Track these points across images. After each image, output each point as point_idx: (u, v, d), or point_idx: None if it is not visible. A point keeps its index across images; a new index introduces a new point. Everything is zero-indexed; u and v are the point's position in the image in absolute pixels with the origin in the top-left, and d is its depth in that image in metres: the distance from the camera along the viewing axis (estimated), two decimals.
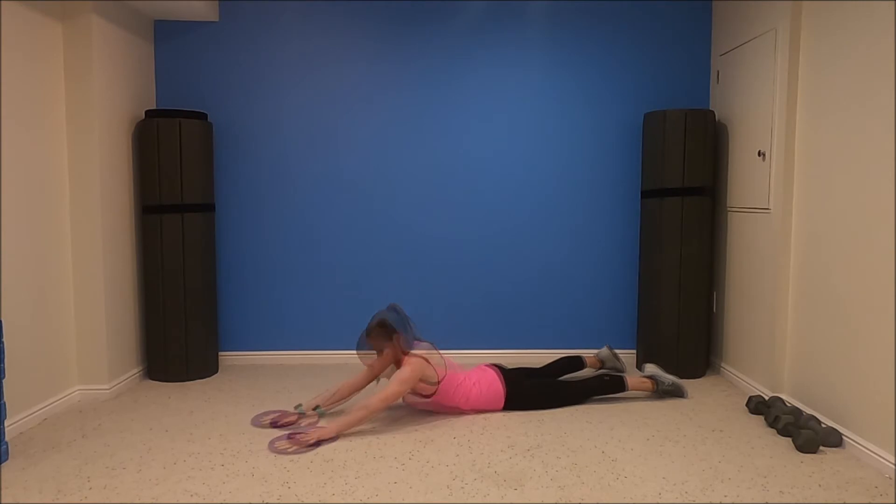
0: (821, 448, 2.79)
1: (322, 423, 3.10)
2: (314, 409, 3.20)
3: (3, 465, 2.63)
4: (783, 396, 3.29)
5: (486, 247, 4.20)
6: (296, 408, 3.20)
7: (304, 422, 3.12)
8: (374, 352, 3.16)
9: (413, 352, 3.10)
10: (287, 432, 2.96)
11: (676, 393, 3.47)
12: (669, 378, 3.47)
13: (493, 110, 4.13)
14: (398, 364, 3.12)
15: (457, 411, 3.22)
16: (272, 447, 2.79)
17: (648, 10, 4.10)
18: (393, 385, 2.99)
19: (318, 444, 2.82)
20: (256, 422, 3.12)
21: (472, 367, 3.50)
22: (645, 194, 3.95)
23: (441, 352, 3.22)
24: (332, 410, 3.24)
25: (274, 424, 3.07)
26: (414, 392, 3.11)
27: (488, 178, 4.16)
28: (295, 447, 2.77)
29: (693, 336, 3.83)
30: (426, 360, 3.07)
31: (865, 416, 2.71)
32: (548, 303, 4.23)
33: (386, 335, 3.08)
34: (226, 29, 4.07)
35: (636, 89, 4.13)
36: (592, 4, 4.09)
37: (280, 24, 4.07)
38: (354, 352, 4.18)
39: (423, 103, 4.12)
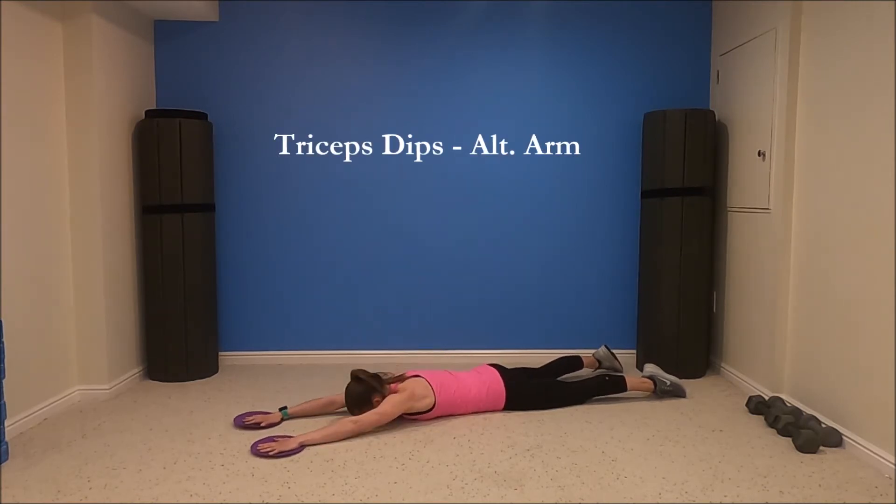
0: (821, 448, 2.79)
1: (284, 424, 3.08)
2: (280, 409, 3.16)
3: (3, 465, 2.63)
4: (783, 396, 3.29)
5: (486, 246, 4.20)
6: (280, 410, 3.15)
7: (262, 421, 3.08)
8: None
9: (397, 386, 3.07)
10: (269, 434, 2.93)
11: (676, 393, 3.47)
12: (669, 378, 3.47)
13: (493, 110, 4.13)
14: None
15: (457, 415, 3.22)
16: (254, 449, 2.75)
17: (648, 10, 4.10)
18: (385, 405, 2.96)
19: (300, 448, 2.78)
20: (239, 422, 3.09)
21: (472, 367, 3.51)
22: (645, 194, 3.95)
23: (428, 373, 3.19)
24: (296, 418, 3.17)
25: (257, 426, 3.05)
26: (412, 413, 3.09)
27: (488, 178, 4.16)
28: (277, 450, 2.72)
29: (693, 336, 3.83)
30: (411, 394, 3.02)
31: (865, 416, 2.71)
32: (548, 303, 4.23)
33: (367, 406, 3.01)
34: (226, 29, 4.07)
35: (636, 89, 4.13)
36: (592, 4, 4.09)
37: (280, 24, 4.07)
38: (355, 352, 4.22)
39: (423, 103, 4.12)
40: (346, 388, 3.07)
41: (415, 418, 3.13)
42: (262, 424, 3.06)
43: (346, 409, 3.12)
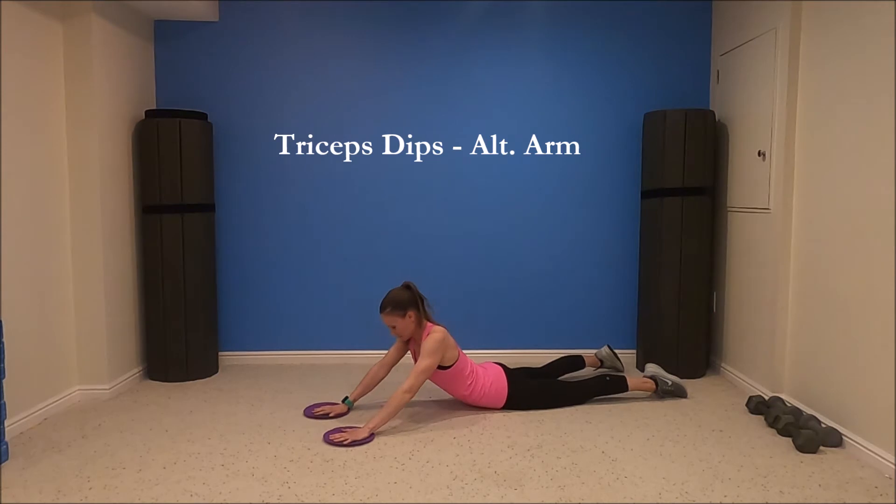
0: (821, 448, 2.79)
1: (353, 414, 3.23)
2: (343, 400, 3.29)
3: (3, 465, 2.63)
4: (783, 396, 3.29)
5: (487, 247, 4.20)
6: (343, 400, 3.28)
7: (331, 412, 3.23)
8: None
9: (432, 327, 3.14)
10: (339, 425, 3.06)
11: (677, 393, 3.47)
12: (670, 378, 3.47)
13: (493, 110, 4.13)
14: (417, 339, 3.17)
15: (462, 394, 3.25)
16: (327, 439, 2.87)
17: (648, 10, 4.10)
18: (423, 360, 3.03)
19: (371, 436, 2.89)
20: (308, 412, 3.23)
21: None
22: (645, 194, 3.95)
23: None
24: (359, 403, 3.34)
25: (326, 416, 3.19)
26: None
27: (488, 178, 4.15)
28: (350, 439, 2.83)
29: (693, 336, 3.83)
30: (445, 338, 3.09)
31: (865, 416, 2.71)
32: (548, 303, 4.23)
33: (399, 312, 3.11)
34: (226, 29, 4.07)
35: (636, 89, 4.13)
36: (592, 4, 4.09)
37: (280, 24, 4.07)
38: (355, 352, 4.22)
39: (423, 103, 4.12)
40: (391, 290, 3.17)
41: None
42: (330, 415, 3.20)
43: (394, 366, 3.30)
